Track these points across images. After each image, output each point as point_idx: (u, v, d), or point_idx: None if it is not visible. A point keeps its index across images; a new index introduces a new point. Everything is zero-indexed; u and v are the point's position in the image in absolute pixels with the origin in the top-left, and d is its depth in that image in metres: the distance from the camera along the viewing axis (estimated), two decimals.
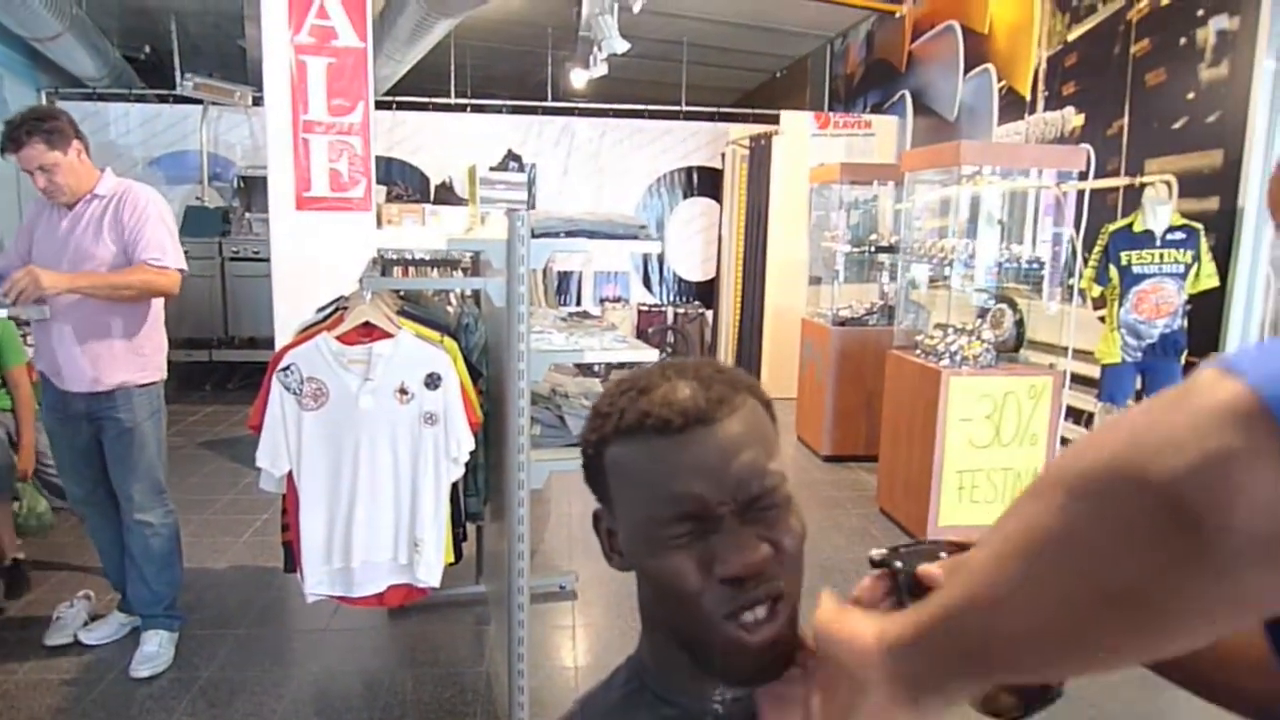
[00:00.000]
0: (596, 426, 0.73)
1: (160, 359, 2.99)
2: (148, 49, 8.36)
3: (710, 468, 0.67)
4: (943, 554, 0.69)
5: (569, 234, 2.38)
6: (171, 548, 3.03)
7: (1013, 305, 4.40)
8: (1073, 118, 5.04)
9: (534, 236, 2.28)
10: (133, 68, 8.05)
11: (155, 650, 2.95)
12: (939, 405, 4.05)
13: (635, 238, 2.45)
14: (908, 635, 0.55)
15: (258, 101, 6.79)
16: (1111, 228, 4.08)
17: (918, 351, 4.47)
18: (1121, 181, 4.56)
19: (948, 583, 0.52)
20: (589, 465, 0.75)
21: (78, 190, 2.78)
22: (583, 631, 3.32)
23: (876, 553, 0.72)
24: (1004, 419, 4.14)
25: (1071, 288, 4.38)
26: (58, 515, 3.86)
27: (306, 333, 2.45)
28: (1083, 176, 4.32)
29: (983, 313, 4.50)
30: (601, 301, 8.39)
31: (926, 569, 0.68)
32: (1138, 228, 3.97)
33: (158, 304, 2.95)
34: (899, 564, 0.71)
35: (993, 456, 4.16)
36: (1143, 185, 4.39)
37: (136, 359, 2.88)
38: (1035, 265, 4.55)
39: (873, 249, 5.73)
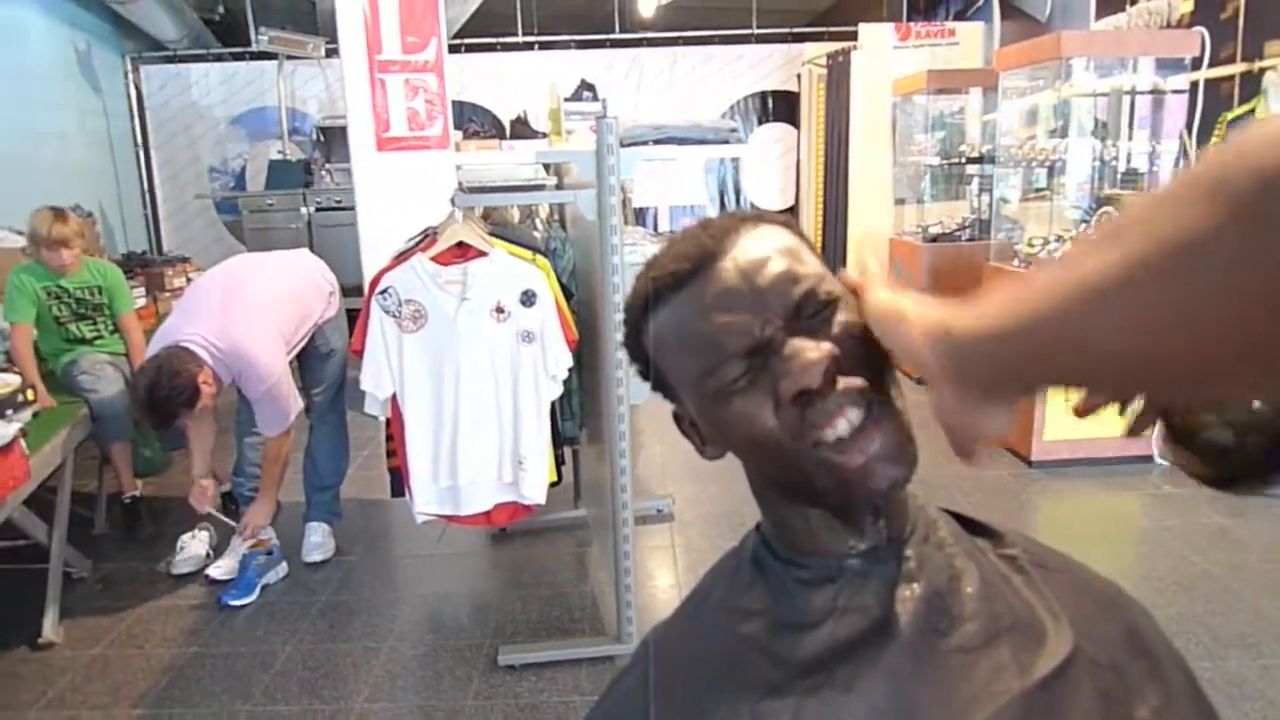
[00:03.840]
0: (628, 323, 0.69)
1: (336, 291, 3.27)
2: (221, 9, 8.50)
3: (734, 291, 0.61)
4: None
5: (658, 142, 2.32)
6: (341, 441, 3.41)
7: (1119, 208, 4.16)
8: (1180, 4, 4.68)
9: (622, 146, 2.23)
10: (209, 29, 8.18)
11: (320, 540, 3.31)
12: None
13: (726, 142, 2.37)
14: (968, 338, 0.49)
15: (330, 53, 6.83)
16: (1230, 116, 3.81)
17: (1016, 262, 4.29)
18: (1238, 68, 4.24)
19: (1035, 276, 0.44)
20: (641, 365, 0.70)
21: None
22: (681, 551, 3.33)
23: None
24: None
25: None
26: (169, 455, 4.08)
27: (401, 256, 2.45)
28: (1195, 65, 4.03)
29: (1085, 219, 4.27)
30: None
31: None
32: (1260, 114, 3.69)
33: (308, 287, 3.16)
34: None
35: None
36: (1262, 70, 4.07)
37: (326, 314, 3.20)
38: (1141, 167, 4.29)
39: (963, 160, 5.48)
